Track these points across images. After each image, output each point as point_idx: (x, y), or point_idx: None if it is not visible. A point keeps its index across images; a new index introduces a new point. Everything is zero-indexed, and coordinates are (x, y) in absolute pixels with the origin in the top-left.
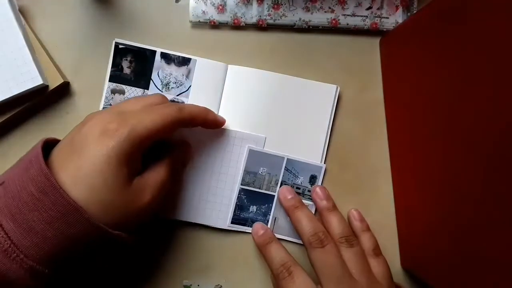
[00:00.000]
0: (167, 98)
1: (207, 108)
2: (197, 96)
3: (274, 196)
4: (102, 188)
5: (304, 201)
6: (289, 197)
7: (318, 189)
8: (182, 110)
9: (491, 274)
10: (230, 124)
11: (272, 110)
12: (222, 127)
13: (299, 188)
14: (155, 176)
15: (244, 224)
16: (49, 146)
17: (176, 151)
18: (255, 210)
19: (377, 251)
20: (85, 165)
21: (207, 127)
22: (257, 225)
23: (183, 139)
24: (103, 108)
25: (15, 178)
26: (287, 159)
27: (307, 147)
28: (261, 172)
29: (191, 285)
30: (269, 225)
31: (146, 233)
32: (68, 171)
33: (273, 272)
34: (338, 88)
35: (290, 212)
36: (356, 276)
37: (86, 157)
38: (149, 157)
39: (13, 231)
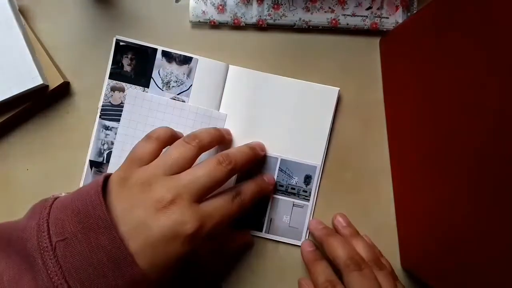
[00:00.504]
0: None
1: (251, 147)
2: (198, 96)
3: (269, 197)
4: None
5: (299, 201)
6: (320, 226)
7: (339, 217)
8: (243, 200)
9: (492, 274)
10: (230, 123)
11: (273, 112)
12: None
13: (293, 189)
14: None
15: (240, 225)
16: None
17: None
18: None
19: (395, 274)
20: (160, 259)
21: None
22: (308, 241)
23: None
24: (102, 105)
25: (80, 237)
26: (281, 159)
27: (308, 148)
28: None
29: None
30: (264, 226)
31: None
32: (145, 253)
33: (318, 285)
34: (339, 91)
35: (325, 240)
36: None
37: (161, 251)
38: None
39: None
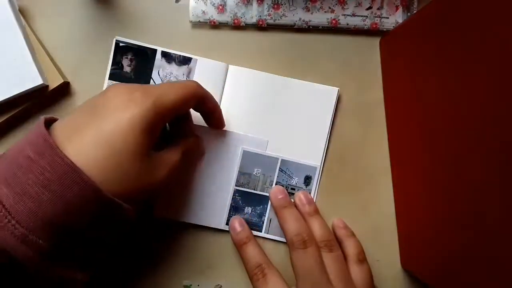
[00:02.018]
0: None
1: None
2: None
3: (269, 197)
4: (122, 152)
5: None
6: (280, 196)
7: (300, 194)
8: (201, 87)
9: (492, 275)
10: (230, 124)
11: (272, 112)
12: (223, 129)
13: (293, 189)
14: (170, 156)
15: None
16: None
17: (189, 139)
18: (250, 211)
19: (361, 257)
20: (108, 128)
21: (212, 119)
22: (234, 220)
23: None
24: None
25: (14, 147)
26: (282, 160)
27: (307, 148)
28: (256, 173)
29: (191, 285)
30: (264, 226)
31: (144, 230)
32: (85, 137)
33: (248, 273)
34: (339, 90)
35: (278, 211)
36: (334, 282)
37: (109, 120)
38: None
39: (5, 195)
